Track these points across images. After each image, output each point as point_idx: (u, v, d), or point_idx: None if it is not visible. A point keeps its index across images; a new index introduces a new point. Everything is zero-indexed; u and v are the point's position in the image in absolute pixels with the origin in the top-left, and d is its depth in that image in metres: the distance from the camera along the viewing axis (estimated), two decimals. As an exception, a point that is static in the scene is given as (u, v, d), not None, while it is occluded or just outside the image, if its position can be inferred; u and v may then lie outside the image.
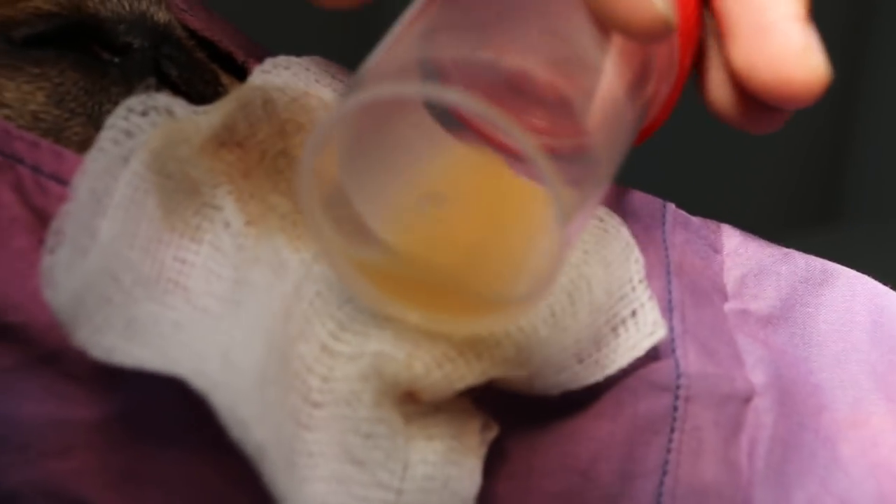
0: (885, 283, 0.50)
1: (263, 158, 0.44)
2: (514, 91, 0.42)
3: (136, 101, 0.44)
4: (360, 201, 0.42)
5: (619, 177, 0.49)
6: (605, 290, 0.44)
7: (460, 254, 0.42)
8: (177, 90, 0.48)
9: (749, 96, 0.46)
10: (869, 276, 0.50)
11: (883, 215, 1.10)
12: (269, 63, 0.47)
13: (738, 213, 0.51)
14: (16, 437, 0.43)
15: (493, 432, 0.43)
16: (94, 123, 0.46)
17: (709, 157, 1.06)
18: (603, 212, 0.46)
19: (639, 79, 0.44)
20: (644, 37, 0.42)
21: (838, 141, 1.12)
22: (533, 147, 0.37)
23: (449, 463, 0.42)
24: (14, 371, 0.44)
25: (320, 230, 0.41)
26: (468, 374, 0.42)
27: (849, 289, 0.49)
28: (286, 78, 0.47)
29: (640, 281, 0.45)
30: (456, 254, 0.42)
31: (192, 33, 0.51)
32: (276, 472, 0.40)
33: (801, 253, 0.50)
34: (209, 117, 0.44)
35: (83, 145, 0.46)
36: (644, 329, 0.45)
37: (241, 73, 0.51)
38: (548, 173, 0.37)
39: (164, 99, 0.44)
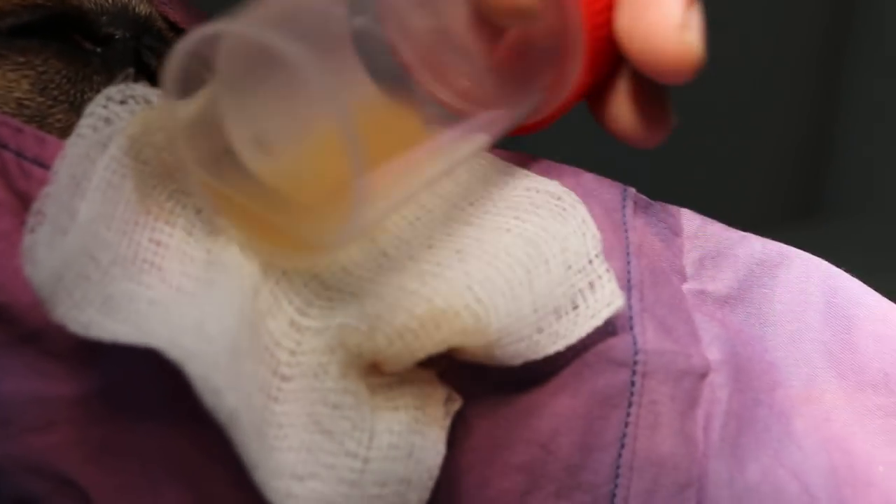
0: (863, 279, 0.51)
1: None
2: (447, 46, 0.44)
3: (114, 90, 0.46)
4: (234, 125, 0.44)
5: (589, 163, 0.51)
6: (562, 265, 0.46)
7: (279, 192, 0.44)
8: (157, 79, 0.49)
9: (643, 109, 0.48)
10: (847, 271, 0.51)
11: (862, 211, 1.11)
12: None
13: (718, 210, 0.53)
14: None
15: (456, 404, 0.45)
16: (77, 111, 0.48)
17: (690, 152, 1.07)
18: (561, 191, 0.48)
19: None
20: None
21: (818, 137, 1.13)
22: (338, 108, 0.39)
23: (413, 432, 0.43)
24: None
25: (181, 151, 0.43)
26: (428, 343, 0.43)
27: (803, 271, 0.50)
28: None
29: (597, 255, 0.47)
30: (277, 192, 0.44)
31: (172, 25, 0.53)
32: (247, 440, 0.41)
33: (757, 236, 0.51)
34: (185, 105, 0.45)
35: (66, 131, 0.48)
36: (602, 300, 0.46)
37: None
38: (341, 122, 0.39)
39: (141, 88, 0.46)
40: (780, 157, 1.10)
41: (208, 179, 0.44)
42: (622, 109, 0.48)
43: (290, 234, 0.43)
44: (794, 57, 1.10)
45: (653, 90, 0.48)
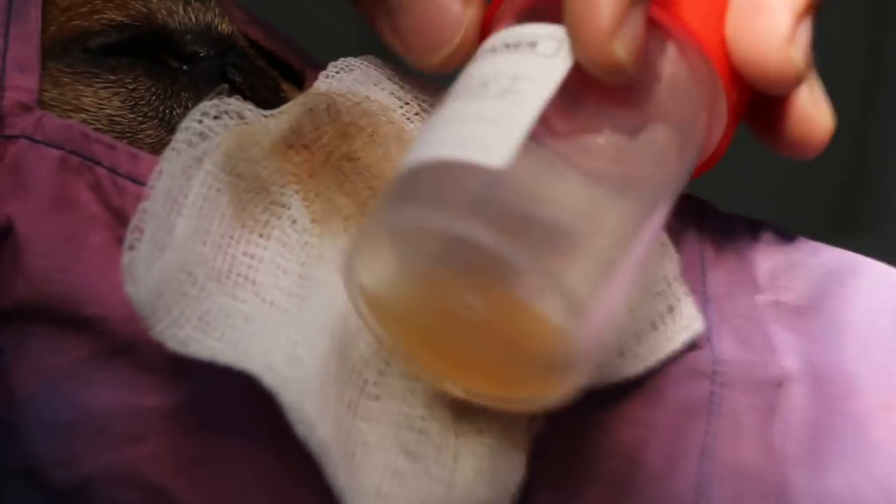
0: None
1: (328, 160, 0.46)
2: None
3: (209, 105, 0.46)
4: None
5: None
6: (642, 289, 0.46)
7: (500, 342, 0.43)
8: (242, 95, 0.50)
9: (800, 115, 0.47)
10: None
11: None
12: (332, 68, 0.49)
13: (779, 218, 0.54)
14: (90, 424, 0.45)
15: (540, 424, 0.45)
16: (166, 126, 0.49)
17: (739, 166, 1.09)
18: None
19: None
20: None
21: (861, 149, 1.13)
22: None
23: (497, 455, 0.44)
24: (89, 362, 0.46)
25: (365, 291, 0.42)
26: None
27: (874, 279, 0.51)
28: (348, 83, 0.48)
29: (676, 278, 0.47)
30: (496, 342, 0.43)
31: (253, 43, 0.54)
32: (336, 467, 0.42)
33: (829, 246, 0.52)
34: (277, 121, 0.46)
35: (156, 147, 0.48)
36: (680, 322, 0.47)
37: (298, 81, 0.54)
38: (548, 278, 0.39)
39: (235, 103, 0.47)
40: (824, 169, 1.11)
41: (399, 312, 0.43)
42: (781, 122, 0.48)
43: (510, 374, 0.43)
44: (837, 70, 1.12)
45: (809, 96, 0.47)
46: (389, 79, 0.49)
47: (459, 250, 0.41)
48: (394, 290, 0.42)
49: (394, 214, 0.40)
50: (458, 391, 0.43)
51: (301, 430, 0.41)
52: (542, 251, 0.39)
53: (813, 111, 0.47)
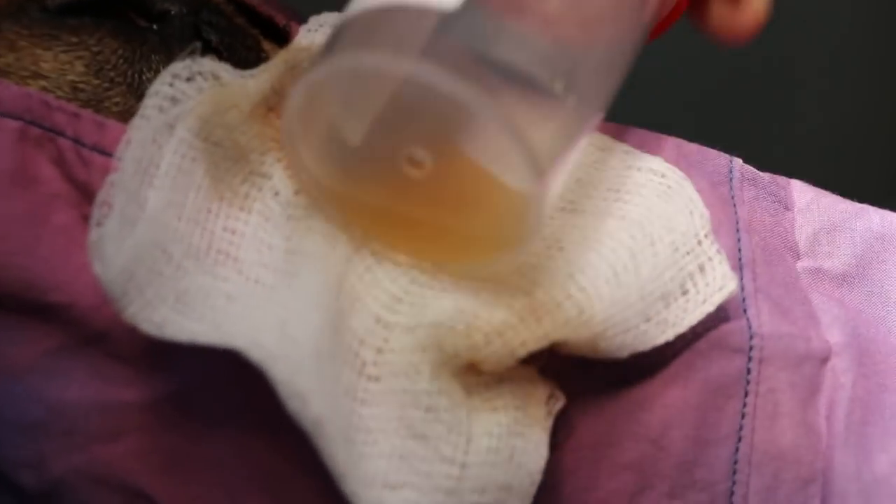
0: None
1: None
2: None
3: (180, 67, 0.45)
4: (346, 129, 0.43)
5: (683, 132, 0.50)
6: (669, 246, 0.45)
7: (443, 202, 0.43)
8: (218, 56, 0.48)
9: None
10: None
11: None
12: (313, 21, 0.48)
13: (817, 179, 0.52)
14: (61, 422, 0.44)
15: (559, 402, 0.44)
16: (135, 93, 0.47)
17: (785, 119, 1.07)
18: (665, 167, 0.47)
19: None
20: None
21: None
22: (499, 116, 0.39)
23: (514, 435, 0.43)
24: (57, 353, 0.44)
25: (306, 168, 0.42)
26: (529, 339, 0.42)
27: None
28: None
29: (707, 235, 0.46)
30: (439, 202, 0.43)
31: None
32: (334, 448, 0.41)
33: (875, 208, 0.50)
34: (257, 81, 0.45)
35: (124, 115, 0.47)
36: (714, 283, 0.45)
37: (283, 38, 0.52)
38: (512, 134, 0.39)
39: (209, 64, 0.45)
40: (882, 126, 1.10)
41: (342, 188, 0.43)
42: (713, 6, 0.50)
43: (458, 238, 0.43)
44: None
45: None
46: None
47: (412, 96, 0.41)
48: (337, 154, 0.43)
49: (347, 58, 0.40)
50: (399, 259, 0.43)
51: (293, 405, 0.40)
52: (501, 99, 0.39)
53: None
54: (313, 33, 0.47)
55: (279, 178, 0.44)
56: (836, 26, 1.07)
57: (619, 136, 0.49)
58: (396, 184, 0.42)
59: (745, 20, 0.49)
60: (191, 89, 0.44)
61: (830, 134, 1.09)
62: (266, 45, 0.51)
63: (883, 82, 1.08)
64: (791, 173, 0.50)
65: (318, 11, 0.50)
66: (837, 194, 0.50)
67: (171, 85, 0.44)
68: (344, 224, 0.43)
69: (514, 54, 0.41)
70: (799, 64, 1.06)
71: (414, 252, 0.43)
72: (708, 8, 0.50)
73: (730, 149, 0.50)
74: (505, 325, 0.42)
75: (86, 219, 0.44)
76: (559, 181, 0.41)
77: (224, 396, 0.44)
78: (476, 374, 0.43)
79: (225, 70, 0.45)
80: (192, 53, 0.46)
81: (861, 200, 0.50)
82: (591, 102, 0.43)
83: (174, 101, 0.44)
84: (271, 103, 0.45)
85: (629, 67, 0.45)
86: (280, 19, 0.52)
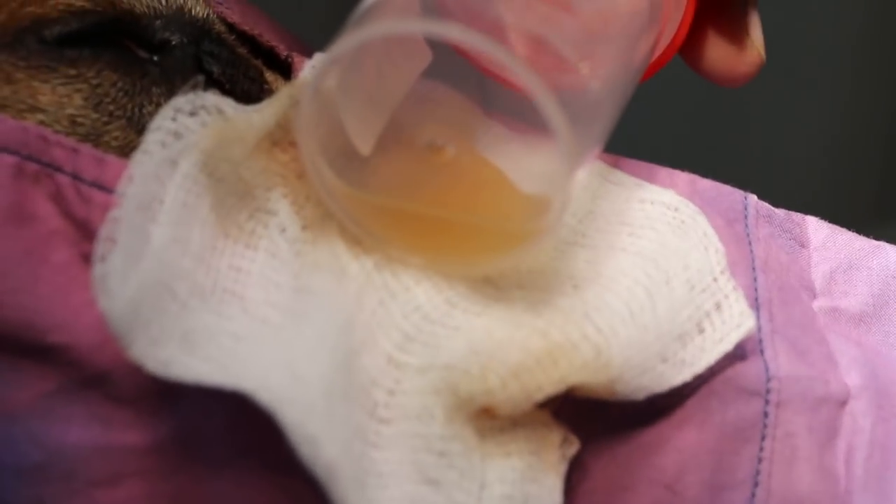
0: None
1: None
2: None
3: (183, 101, 0.44)
4: (357, 139, 0.44)
5: (697, 167, 0.50)
6: (685, 284, 0.45)
7: (463, 198, 0.44)
8: (220, 89, 0.48)
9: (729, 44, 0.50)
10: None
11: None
12: (318, 58, 0.48)
13: (823, 206, 0.51)
14: (60, 465, 0.44)
15: (573, 447, 0.43)
16: (135, 127, 0.47)
17: (792, 148, 1.07)
18: (678, 201, 0.47)
19: (645, 18, 0.46)
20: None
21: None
22: (538, 84, 0.39)
23: (528, 481, 0.42)
24: (56, 395, 0.44)
25: (320, 172, 0.42)
26: (546, 383, 0.42)
27: None
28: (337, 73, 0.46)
29: (723, 271, 0.45)
30: (459, 198, 0.44)
31: (232, 28, 0.52)
32: (346, 493, 0.40)
33: (893, 246, 0.50)
34: (262, 115, 0.45)
35: (123, 150, 0.46)
36: (731, 321, 0.45)
37: (285, 69, 0.52)
38: (552, 111, 0.39)
39: (212, 98, 0.45)
40: (867, 155, 1.10)
41: (353, 191, 0.43)
42: (712, 48, 0.50)
43: (475, 236, 0.43)
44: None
45: (736, 24, 0.50)
46: None
47: (442, 73, 0.42)
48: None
49: (380, 26, 0.40)
50: (414, 261, 0.43)
51: (306, 451, 0.40)
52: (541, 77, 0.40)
53: (752, 35, 0.50)
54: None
55: (286, 215, 0.44)
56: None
57: (629, 170, 0.48)
58: (414, 175, 0.43)
59: (746, 62, 0.49)
60: (194, 124, 0.44)
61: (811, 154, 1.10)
62: (269, 76, 0.51)
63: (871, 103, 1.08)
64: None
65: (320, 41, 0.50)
66: (824, 217, 0.50)
67: (173, 119, 0.44)
68: (358, 231, 0.43)
69: (545, 29, 0.42)
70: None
71: (429, 255, 0.43)
72: (705, 49, 0.50)
73: (740, 184, 0.50)
74: (521, 368, 0.42)
75: (85, 257, 0.44)
76: (581, 177, 0.42)
77: (229, 439, 0.43)
78: (490, 418, 0.42)
79: (229, 104, 0.45)
80: (195, 87, 0.45)
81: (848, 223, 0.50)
82: (612, 105, 0.43)
83: (177, 135, 0.44)
84: (276, 138, 0.44)
85: (626, 102, 0.45)
86: (282, 50, 0.52)
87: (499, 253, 0.42)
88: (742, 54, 0.49)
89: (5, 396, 0.44)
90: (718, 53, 0.49)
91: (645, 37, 0.46)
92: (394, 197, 0.43)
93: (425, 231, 0.43)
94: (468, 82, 0.46)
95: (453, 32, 0.39)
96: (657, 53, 0.48)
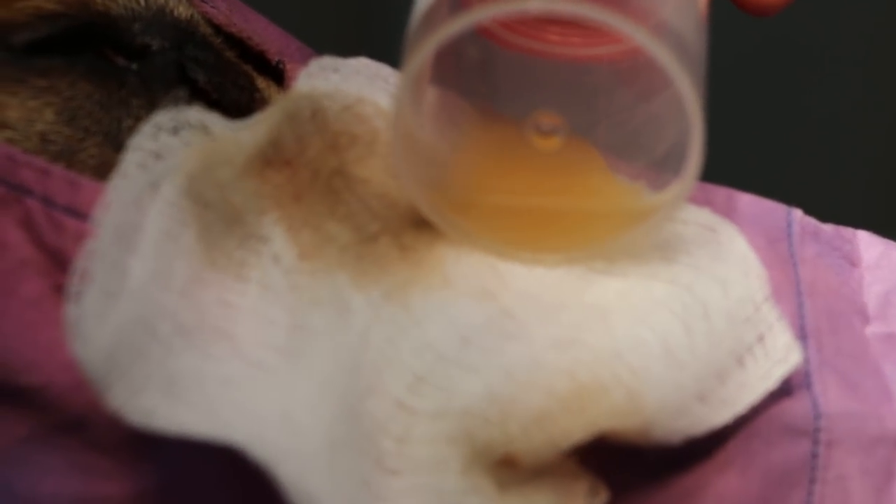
0: None
1: (316, 179, 0.44)
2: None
3: (164, 118, 0.44)
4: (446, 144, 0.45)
5: (734, 181, 0.49)
6: (724, 314, 0.43)
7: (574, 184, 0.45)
8: (206, 99, 0.47)
9: None
10: None
11: None
12: (314, 65, 0.47)
13: (876, 219, 0.50)
14: None
15: (601, 498, 0.42)
16: (113, 143, 0.46)
17: (842, 156, 1.07)
18: (714, 221, 0.45)
19: None
20: None
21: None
22: (646, 34, 0.40)
23: None
24: (30, 441, 0.43)
25: (421, 192, 0.43)
26: (573, 431, 0.41)
27: None
28: (335, 82, 0.46)
29: (765, 299, 0.44)
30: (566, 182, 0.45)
31: (218, 30, 0.51)
32: None
33: None
34: (252, 132, 0.44)
35: (100, 169, 0.45)
36: (774, 355, 0.44)
37: (277, 74, 0.51)
38: (666, 56, 0.40)
39: (197, 113, 0.44)
40: None
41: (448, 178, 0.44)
42: None
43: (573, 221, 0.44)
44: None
45: None
46: (385, 78, 0.47)
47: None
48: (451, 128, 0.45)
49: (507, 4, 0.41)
50: (548, 260, 0.44)
51: None
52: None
53: None
54: (313, 79, 0.46)
55: (280, 242, 0.43)
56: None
57: (661, 186, 0.48)
58: (515, 154, 0.44)
59: None
60: (177, 143, 0.43)
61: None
62: (260, 83, 0.50)
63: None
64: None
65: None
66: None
67: (154, 138, 0.43)
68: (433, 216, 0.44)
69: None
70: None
71: (520, 244, 0.44)
72: None
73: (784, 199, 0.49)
74: (545, 414, 0.40)
75: (58, 289, 0.43)
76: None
77: (219, 493, 0.43)
78: (511, 468, 0.41)
79: (215, 120, 0.44)
80: (176, 101, 0.45)
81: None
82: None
83: (158, 156, 0.43)
84: (269, 157, 0.43)
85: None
86: (273, 54, 0.51)
87: (610, 235, 0.43)
88: None
89: None
90: None
91: None
92: (489, 181, 0.44)
93: (530, 223, 0.44)
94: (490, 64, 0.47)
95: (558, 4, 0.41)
96: None
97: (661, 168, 0.44)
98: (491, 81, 0.46)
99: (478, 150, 0.45)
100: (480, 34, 0.45)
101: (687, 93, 0.41)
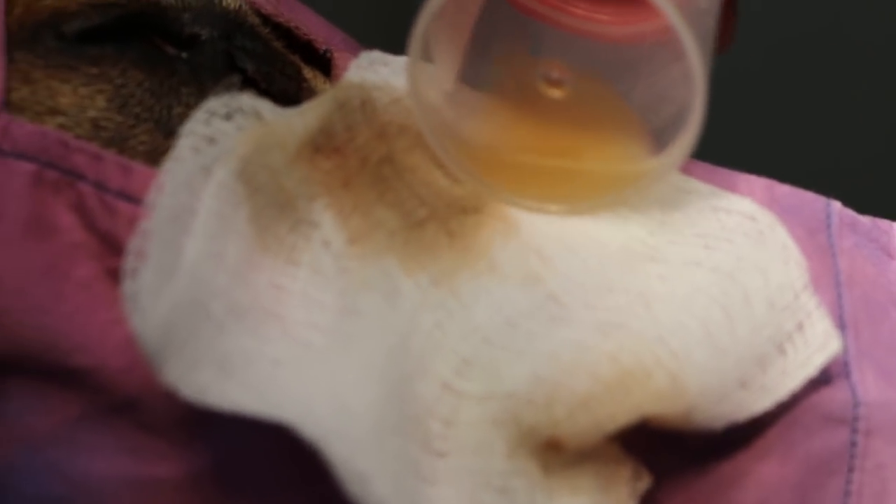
0: None
1: (365, 165, 0.45)
2: None
3: (218, 103, 0.44)
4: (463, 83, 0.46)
5: (773, 171, 0.50)
6: (764, 301, 0.44)
7: (579, 139, 0.46)
8: (256, 88, 0.48)
9: None
10: None
11: None
12: (365, 58, 0.48)
13: None
14: (86, 499, 0.44)
15: (644, 482, 0.43)
16: (163, 130, 0.46)
17: (879, 147, 1.07)
18: (755, 210, 0.46)
19: None
20: None
21: None
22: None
23: None
24: (81, 422, 0.44)
25: (434, 118, 0.45)
26: (617, 414, 0.41)
27: None
28: (385, 75, 0.47)
29: (804, 287, 0.45)
30: (575, 140, 0.46)
31: (266, 19, 0.51)
32: None
33: None
34: (303, 119, 0.44)
35: (151, 155, 0.46)
36: (814, 342, 0.45)
37: (324, 64, 0.51)
38: (684, 33, 0.42)
39: (249, 100, 0.45)
40: None
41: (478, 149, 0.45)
42: None
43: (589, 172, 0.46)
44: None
45: None
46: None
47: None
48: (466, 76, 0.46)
49: None
50: (551, 209, 0.46)
51: (354, 488, 0.40)
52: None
53: None
54: (364, 70, 0.47)
55: (330, 227, 0.44)
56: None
57: (702, 176, 0.48)
58: (530, 109, 0.46)
59: None
60: (230, 128, 0.44)
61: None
62: (307, 73, 0.50)
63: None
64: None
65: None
66: None
67: (207, 123, 0.44)
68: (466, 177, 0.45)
69: None
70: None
71: (530, 195, 0.45)
72: None
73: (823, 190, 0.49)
74: (590, 397, 0.41)
75: (110, 273, 0.43)
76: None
77: (271, 473, 0.43)
78: (556, 452, 0.42)
79: (267, 107, 0.45)
80: (229, 87, 0.45)
81: None
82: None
83: (211, 141, 0.44)
84: (319, 144, 0.44)
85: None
86: (320, 43, 0.51)
87: (616, 189, 0.45)
88: None
89: (26, 423, 0.44)
90: None
91: None
92: (507, 149, 0.46)
93: (545, 176, 0.46)
94: (515, 32, 0.48)
95: None
96: None
97: (675, 125, 0.45)
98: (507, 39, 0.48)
99: (495, 109, 0.47)
100: None
101: (692, 53, 0.42)
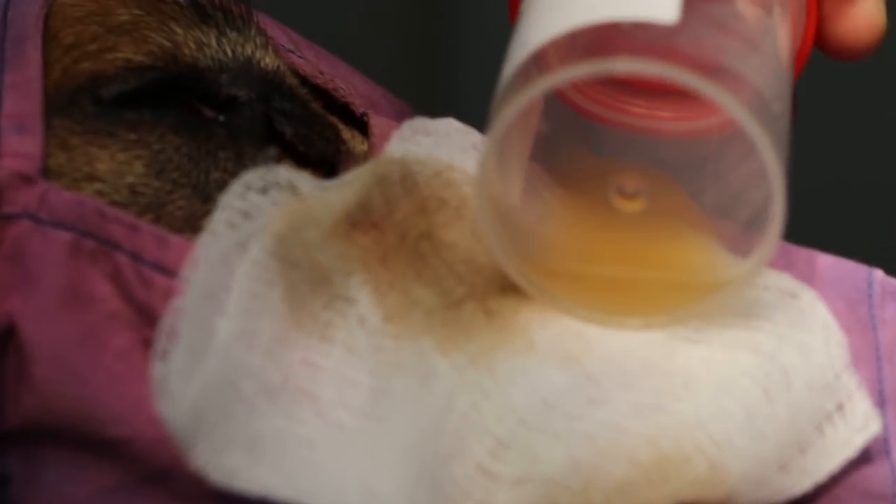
0: None
1: (403, 242, 0.45)
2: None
3: (253, 177, 0.44)
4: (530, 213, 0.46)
5: (812, 242, 0.49)
6: (805, 383, 0.44)
7: (653, 251, 0.46)
8: (293, 151, 0.48)
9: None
10: None
11: None
12: (407, 128, 0.47)
13: None
14: None
15: None
16: (201, 195, 0.47)
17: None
18: (795, 286, 0.46)
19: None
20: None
21: None
22: (737, 104, 0.42)
23: None
24: (117, 492, 0.44)
25: (501, 236, 0.44)
26: (655, 500, 0.41)
27: None
28: (427, 147, 0.47)
29: (845, 367, 0.45)
30: (649, 252, 0.46)
31: (304, 80, 0.51)
32: None
33: None
34: (340, 194, 0.44)
35: (188, 221, 0.46)
36: (854, 423, 0.44)
37: (362, 125, 0.51)
38: (756, 132, 0.42)
39: (286, 173, 0.45)
40: None
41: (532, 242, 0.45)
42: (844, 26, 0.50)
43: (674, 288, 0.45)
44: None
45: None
46: (475, 145, 0.48)
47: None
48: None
49: (599, 63, 0.43)
50: (632, 323, 0.45)
51: None
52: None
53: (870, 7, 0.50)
54: (406, 142, 0.47)
55: (366, 304, 0.44)
56: None
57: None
58: (601, 222, 0.45)
59: (858, 27, 0.49)
60: (265, 203, 0.44)
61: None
62: (346, 134, 0.50)
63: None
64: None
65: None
66: None
67: (242, 197, 0.44)
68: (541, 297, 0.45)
69: (740, 63, 0.44)
70: None
71: (604, 309, 0.45)
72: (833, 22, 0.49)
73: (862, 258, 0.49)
74: (627, 483, 0.41)
75: (146, 343, 0.44)
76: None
77: None
78: None
79: (304, 180, 0.45)
80: (267, 160, 0.45)
81: None
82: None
83: (247, 216, 0.44)
84: (356, 220, 0.44)
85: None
86: (357, 106, 0.51)
87: (694, 302, 0.45)
88: (852, 18, 0.49)
89: (63, 492, 0.44)
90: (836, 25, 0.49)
91: (781, 32, 0.47)
92: (577, 260, 0.46)
93: (615, 290, 0.45)
94: (577, 136, 0.48)
95: (647, 65, 0.42)
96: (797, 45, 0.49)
97: (750, 229, 0.45)
98: (576, 149, 0.48)
99: (563, 218, 0.46)
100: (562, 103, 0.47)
101: (769, 158, 0.42)
